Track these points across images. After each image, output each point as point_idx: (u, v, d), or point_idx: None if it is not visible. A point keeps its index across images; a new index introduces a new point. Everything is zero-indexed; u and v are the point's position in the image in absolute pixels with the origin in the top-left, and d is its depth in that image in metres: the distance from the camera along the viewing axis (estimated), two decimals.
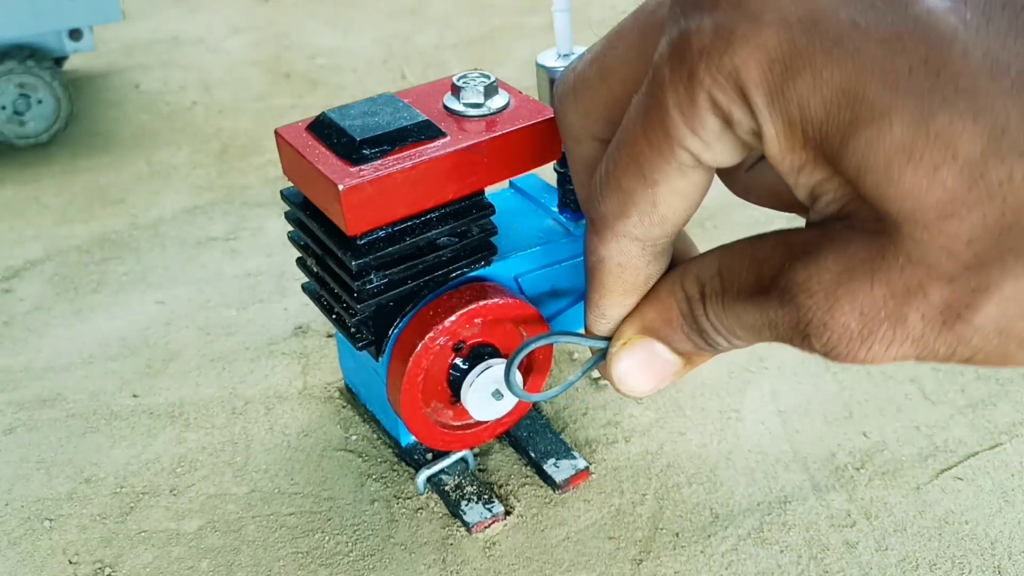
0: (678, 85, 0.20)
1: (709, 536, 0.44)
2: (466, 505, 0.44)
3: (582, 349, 0.54)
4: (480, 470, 0.47)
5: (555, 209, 0.46)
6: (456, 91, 0.39)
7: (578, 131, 0.25)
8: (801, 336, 0.21)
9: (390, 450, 0.48)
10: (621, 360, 0.26)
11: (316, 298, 0.43)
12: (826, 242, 0.20)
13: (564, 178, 0.45)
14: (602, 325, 0.26)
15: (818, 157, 0.19)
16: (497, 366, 0.40)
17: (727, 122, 0.20)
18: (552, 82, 0.43)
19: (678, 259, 0.26)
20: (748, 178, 0.28)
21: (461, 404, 0.41)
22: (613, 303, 0.25)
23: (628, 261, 0.24)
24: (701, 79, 0.20)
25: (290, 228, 0.42)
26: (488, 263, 0.41)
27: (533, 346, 0.36)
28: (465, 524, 0.44)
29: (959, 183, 0.17)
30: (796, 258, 0.21)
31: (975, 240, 0.18)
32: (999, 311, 0.18)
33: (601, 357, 0.27)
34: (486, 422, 0.44)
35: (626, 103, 0.22)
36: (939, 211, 0.18)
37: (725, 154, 0.21)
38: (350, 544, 0.43)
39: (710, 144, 0.21)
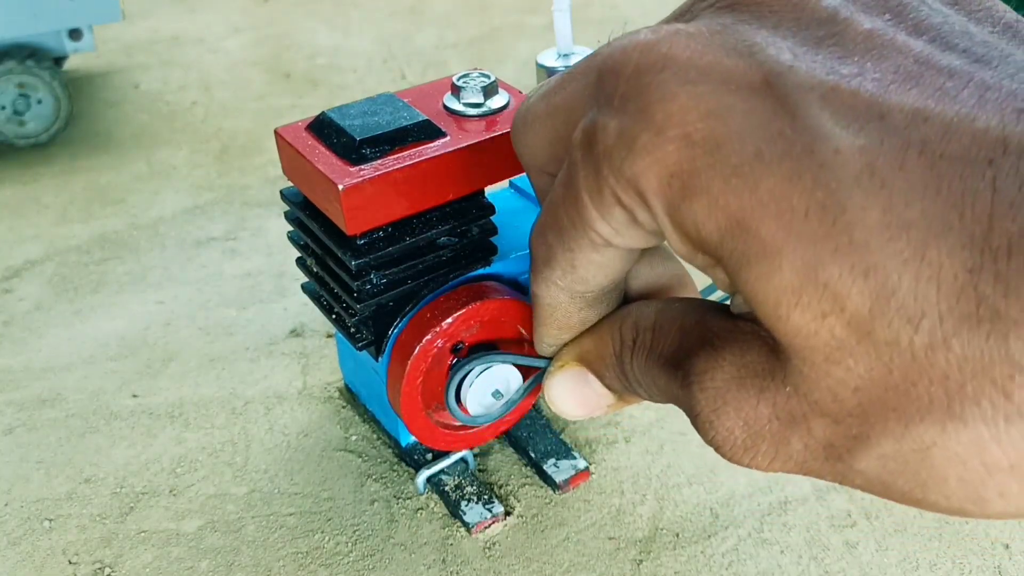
0: (588, 173, 0.20)
1: (709, 536, 0.44)
2: (466, 505, 0.44)
3: None
4: (480, 470, 0.47)
5: None
6: (456, 91, 0.39)
7: (527, 162, 0.25)
8: (693, 423, 0.21)
9: (390, 450, 0.48)
10: (555, 381, 0.26)
11: (316, 298, 0.43)
12: (729, 341, 0.20)
13: None
14: (544, 349, 0.27)
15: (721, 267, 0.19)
16: (498, 366, 0.40)
17: (632, 217, 0.20)
18: None
19: (660, 292, 0.27)
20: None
21: (461, 404, 0.41)
22: (550, 335, 0.26)
23: (558, 305, 0.25)
24: (605, 177, 0.20)
25: (290, 228, 0.42)
26: (488, 263, 0.41)
27: (473, 368, 0.36)
28: (465, 524, 0.44)
29: (847, 334, 0.17)
30: (703, 346, 0.20)
31: (861, 389, 0.17)
32: (879, 464, 0.18)
33: (542, 375, 0.27)
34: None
35: (568, 141, 0.22)
36: (826, 355, 0.17)
37: (636, 241, 0.21)
38: (350, 544, 0.43)
39: (619, 231, 0.21)
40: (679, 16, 0.21)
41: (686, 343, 0.21)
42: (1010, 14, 0.20)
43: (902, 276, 0.16)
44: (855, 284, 0.16)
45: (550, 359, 0.27)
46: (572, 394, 0.26)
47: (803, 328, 0.17)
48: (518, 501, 0.45)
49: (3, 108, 0.75)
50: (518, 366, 0.38)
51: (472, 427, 0.44)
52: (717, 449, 0.20)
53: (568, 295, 0.24)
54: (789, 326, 0.17)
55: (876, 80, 0.17)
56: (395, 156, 0.36)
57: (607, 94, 0.20)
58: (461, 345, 0.41)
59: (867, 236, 0.16)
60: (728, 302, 0.22)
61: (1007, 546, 0.43)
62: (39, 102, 0.76)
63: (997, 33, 0.19)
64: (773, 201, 0.17)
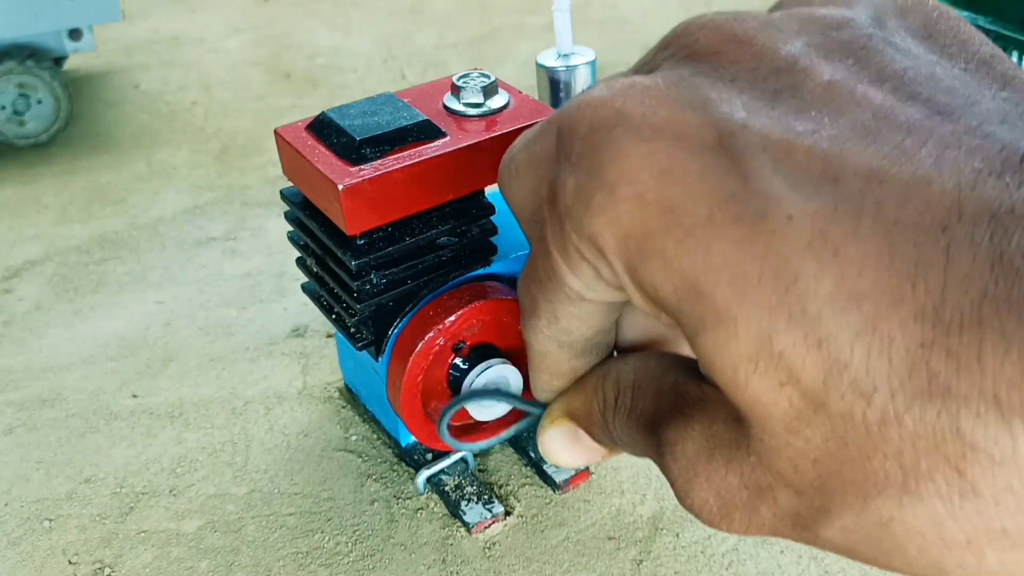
0: (555, 230, 0.20)
1: (709, 536, 0.44)
2: (466, 505, 0.44)
3: None
4: (480, 470, 0.47)
5: None
6: (456, 91, 0.39)
7: (517, 212, 0.25)
8: (672, 487, 0.21)
9: (390, 450, 0.48)
10: (548, 437, 0.26)
11: (316, 298, 0.43)
12: (699, 409, 0.20)
13: None
14: (541, 395, 0.27)
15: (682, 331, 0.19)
16: (498, 366, 0.40)
17: (598, 273, 0.20)
18: (552, 82, 0.43)
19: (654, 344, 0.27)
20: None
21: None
22: (544, 381, 0.26)
23: (548, 353, 0.25)
24: (568, 233, 0.19)
25: (290, 228, 0.42)
26: (488, 263, 0.41)
27: (466, 402, 0.36)
28: (465, 524, 0.44)
29: (803, 405, 0.16)
30: (675, 415, 0.20)
31: (819, 461, 0.17)
32: (843, 535, 0.17)
33: (536, 419, 0.28)
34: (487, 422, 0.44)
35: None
36: (785, 425, 0.17)
37: (607, 295, 0.21)
38: (350, 544, 0.43)
39: (589, 286, 0.20)
40: (642, 66, 0.21)
41: (661, 406, 0.21)
42: (986, 47, 0.19)
43: (854, 349, 0.16)
44: (808, 355, 0.16)
45: (543, 407, 0.27)
46: (565, 448, 0.26)
47: (761, 397, 0.17)
48: (518, 501, 0.45)
49: (3, 108, 0.75)
50: (516, 407, 0.38)
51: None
52: (696, 516, 0.20)
53: (556, 344, 0.24)
54: (747, 395, 0.17)
55: (832, 138, 0.17)
56: (395, 156, 0.36)
57: (566, 152, 0.20)
58: (462, 344, 0.41)
59: (819, 307, 0.16)
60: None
61: None
62: (39, 102, 0.76)
63: (969, 71, 0.18)
64: (726, 266, 0.17)
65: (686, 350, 0.27)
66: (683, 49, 0.20)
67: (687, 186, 0.17)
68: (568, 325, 0.23)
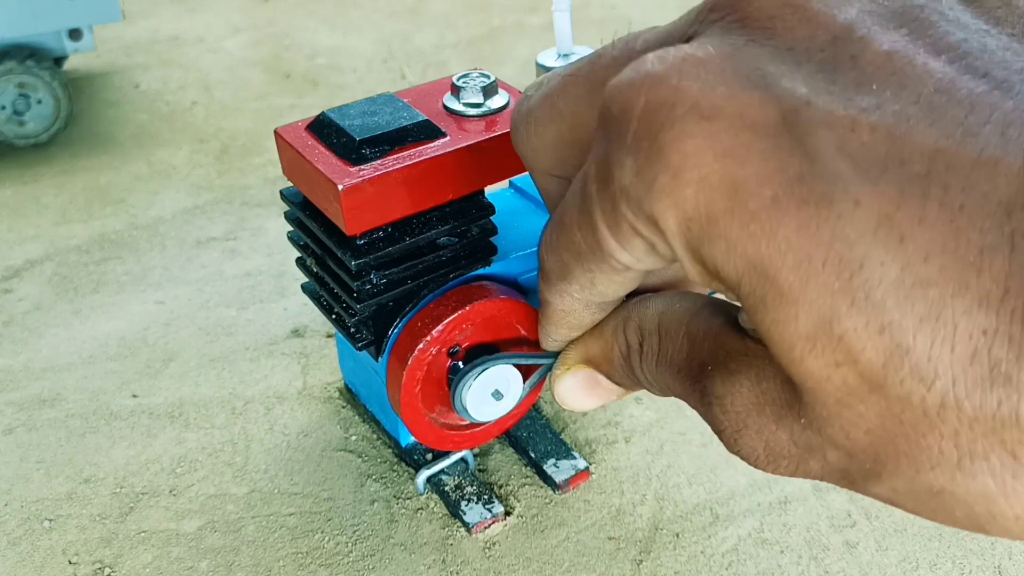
0: (606, 208, 0.20)
1: (709, 536, 0.44)
2: (466, 505, 0.44)
3: None
4: (480, 470, 0.47)
5: None
6: (456, 91, 0.39)
7: (531, 164, 0.25)
8: (717, 435, 0.21)
9: (390, 450, 0.48)
10: (564, 382, 0.27)
11: (316, 298, 0.43)
12: (745, 366, 0.20)
13: None
14: (551, 345, 0.28)
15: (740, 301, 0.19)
16: (496, 366, 0.40)
17: (652, 247, 0.20)
18: None
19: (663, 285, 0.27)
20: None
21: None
22: (559, 335, 0.27)
23: (571, 311, 0.25)
24: (624, 213, 0.19)
25: (290, 228, 0.42)
26: (488, 263, 0.41)
27: (479, 370, 0.37)
28: (465, 524, 0.44)
29: (859, 383, 0.17)
30: (719, 367, 0.21)
31: (872, 432, 0.17)
32: (891, 494, 0.18)
33: (547, 370, 0.28)
34: (487, 423, 0.44)
35: (573, 146, 0.22)
36: (838, 399, 0.17)
37: (657, 264, 0.21)
38: (350, 544, 0.43)
39: (640, 259, 0.21)
40: (681, 30, 0.20)
41: (697, 354, 0.22)
42: None
43: (917, 336, 0.16)
44: (870, 339, 0.16)
45: (554, 355, 0.28)
46: (583, 391, 0.27)
47: (816, 373, 0.17)
48: (518, 501, 0.45)
49: (3, 108, 0.75)
50: (520, 366, 0.38)
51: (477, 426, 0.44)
52: (743, 460, 0.21)
53: (583, 304, 0.24)
54: (803, 369, 0.17)
55: (896, 114, 0.17)
56: (395, 156, 0.36)
57: (619, 131, 0.19)
58: (457, 348, 0.41)
59: (884, 293, 0.16)
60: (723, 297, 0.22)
61: (1007, 546, 0.43)
62: (39, 102, 0.76)
63: (1017, 37, 0.18)
64: (791, 250, 0.17)
65: (699, 288, 0.28)
66: (732, 14, 0.19)
67: (751, 168, 0.17)
68: (605, 290, 0.23)
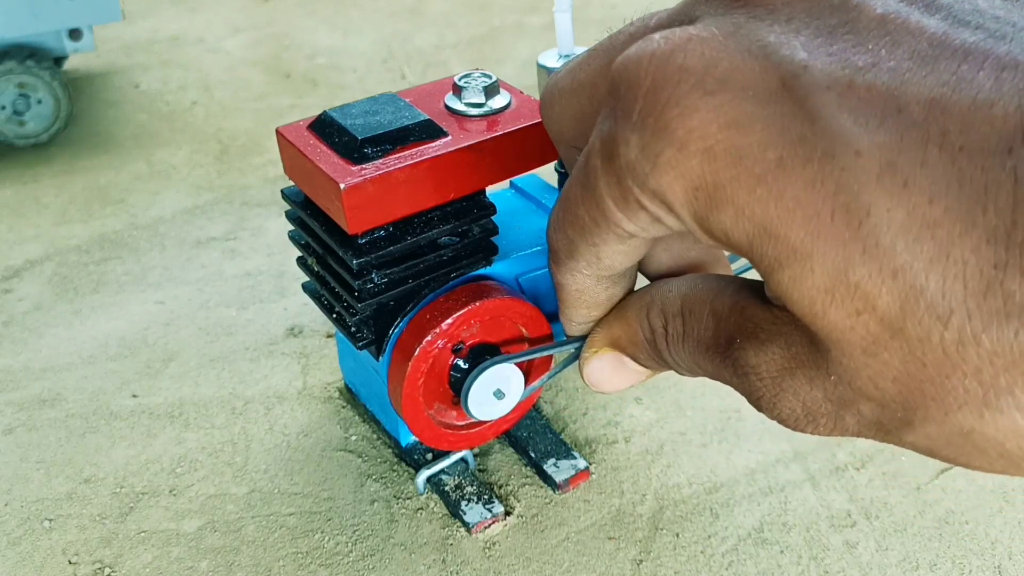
0: (611, 182, 0.20)
1: (709, 536, 0.44)
2: (466, 505, 0.44)
3: None
4: (480, 470, 0.47)
5: None
6: (457, 91, 0.39)
7: (555, 136, 0.26)
8: (755, 405, 0.22)
9: (390, 450, 0.48)
10: (592, 365, 0.27)
11: (316, 297, 0.43)
12: (774, 334, 0.20)
13: (565, 178, 0.45)
14: (574, 329, 0.28)
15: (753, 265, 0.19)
16: (498, 366, 0.40)
17: (658, 219, 0.20)
18: None
19: (689, 268, 0.27)
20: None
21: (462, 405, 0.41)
22: (580, 315, 0.27)
23: (584, 288, 0.25)
24: (629, 187, 0.20)
25: (290, 227, 0.42)
26: (489, 263, 0.41)
27: (497, 365, 0.37)
28: (465, 524, 0.44)
29: (881, 330, 0.17)
30: (749, 339, 0.21)
31: (899, 380, 0.18)
32: (926, 440, 0.18)
33: (574, 358, 0.29)
34: (488, 421, 0.44)
35: (592, 118, 0.23)
36: (863, 349, 0.18)
37: (662, 232, 0.21)
38: (350, 544, 0.43)
39: (645, 228, 0.21)
40: (681, 15, 0.21)
41: (725, 329, 0.22)
42: None
43: (929, 276, 0.16)
44: (884, 285, 0.17)
45: (579, 340, 0.28)
46: (611, 374, 0.27)
47: (839, 324, 0.18)
48: (518, 501, 0.45)
49: (3, 108, 0.75)
50: (553, 352, 0.38)
51: (477, 425, 0.44)
52: (782, 423, 0.21)
53: (594, 280, 0.25)
54: (825, 323, 0.18)
55: (891, 70, 0.17)
56: (397, 155, 0.36)
57: (625, 107, 0.20)
58: (461, 346, 0.41)
59: (893, 238, 0.16)
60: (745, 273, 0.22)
61: (1007, 546, 0.43)
62: (39, 102, 0.76)
63: (1008, 3, 0.19)
64: (799, 207, 0.17)
65: (722, 270, 0.28)
66: None
67: (755, 134, 0.18)
68: (611, 263, 0.23)
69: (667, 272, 0.27)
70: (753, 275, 0.23)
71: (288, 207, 0.41)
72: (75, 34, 0.78)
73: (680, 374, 0.25)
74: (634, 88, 0.19)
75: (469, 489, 0.45)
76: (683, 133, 0.18)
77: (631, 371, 0.27)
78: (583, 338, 0.28)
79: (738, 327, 0.21)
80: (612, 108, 0.20)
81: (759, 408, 0.21)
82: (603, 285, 0.25)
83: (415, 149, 0.36)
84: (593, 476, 0.47)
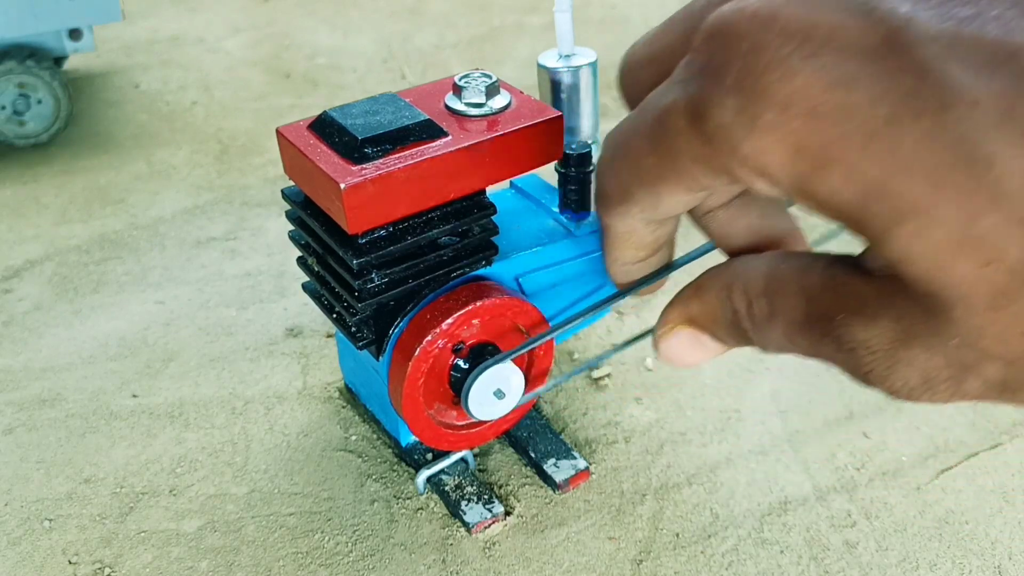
0: (695, 142, 0.20)
1: (709, 536, 0.44)
2: (466, 505, 0.44)
3: (581, 349, 0.54)
4: (480, 470, 0.47)
5: (556, 209, 0.46)
6: (458, 91, 0.39)
7: (629, 101, 0.26)
8: (861, 379, 0.21)
9: (390, 450, 0.48)
10: (669, 342, 0.27)
11: (317, 297, 0.43)
12: (882, 306, 0.20)
13: (565, 178, 0.45)
14: (619, 273, 0.28)
15: (855, 229, 0.19)
16: (498, 366, 0.40)
17: (741, 184, 0.20)
18: (553, 83, 0.43)
19: (759, 240, 0.27)
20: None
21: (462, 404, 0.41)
22: (626, 256, 0.27)
23: (634, 230, 0.25)
24: (718, 151, 0.19)
25: (290, 227, 0.42)
26: (489, 263, 0.41)
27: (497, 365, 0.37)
28: (465, 524, 0.44)
29: (1009, 281, 0.17)
30: (853, 313, 0.21)
31: None
32: None
33: (579, 370, 0.29)
34: (488, 421, 0.44)
35: None
36: (990, 303, 0.17)
37: (737, 190, 0.21)
38: (350, 544, 0.43)
39: (722, 187, 0.21)
40: None
41: (818, 307, 0.21)
42: None
43: None
44: (1012, 233, 0.16)
45: (622, 292, 0.28)
46: (687, 350, 0.27)
47: (965, 278, 0.17)
48: (518, 501, 0.45)
49: (3, 108, 0.75)
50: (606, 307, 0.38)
51: (479, 425, 0.44)
52: (894, 395, 0.21)
53: (643, 222, 0.25)
54: (951, 277, 0.17)
55: (996, 18, 0.17)
56: (397, 155, 0.36)
57: (718, 69, 0.19)
58: (461, 345, 0.41)
59: (1019, 185, 0.16)
60: (820, 249, 0.22)
61: (1007, 546, 0.43)
62: (39, 102, 0.76)
63: None
64: (917, 161, 0.17)
65: (801, 246, 0.27)
66: None
67: (862, 92, 0.17)
68: (671, 209, 0.23)
69: (746, 247, 0.27)
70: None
71: (288, 207, 0.41)
72: (75, 34, 0.78)
73: (765, 351, 0.25)
74: (731, 50, 0.19)
75: (469, 489, 0.45)
76: (784, 96, 0.18)
77: (708, 347, 0.26)
78: (623, 294, 0.28)
79: (837, 303, 0.21)
80: (701, 68, 0.20)
81: (866, 382, 0.21)
82: (651, 227, 0.25)
83: (415, 149, 0.36)
84: (593, 476, 0.47)
